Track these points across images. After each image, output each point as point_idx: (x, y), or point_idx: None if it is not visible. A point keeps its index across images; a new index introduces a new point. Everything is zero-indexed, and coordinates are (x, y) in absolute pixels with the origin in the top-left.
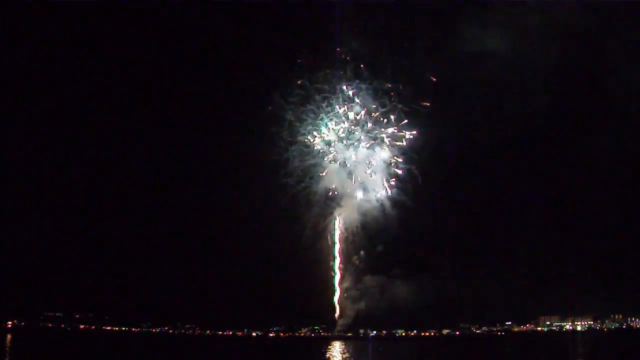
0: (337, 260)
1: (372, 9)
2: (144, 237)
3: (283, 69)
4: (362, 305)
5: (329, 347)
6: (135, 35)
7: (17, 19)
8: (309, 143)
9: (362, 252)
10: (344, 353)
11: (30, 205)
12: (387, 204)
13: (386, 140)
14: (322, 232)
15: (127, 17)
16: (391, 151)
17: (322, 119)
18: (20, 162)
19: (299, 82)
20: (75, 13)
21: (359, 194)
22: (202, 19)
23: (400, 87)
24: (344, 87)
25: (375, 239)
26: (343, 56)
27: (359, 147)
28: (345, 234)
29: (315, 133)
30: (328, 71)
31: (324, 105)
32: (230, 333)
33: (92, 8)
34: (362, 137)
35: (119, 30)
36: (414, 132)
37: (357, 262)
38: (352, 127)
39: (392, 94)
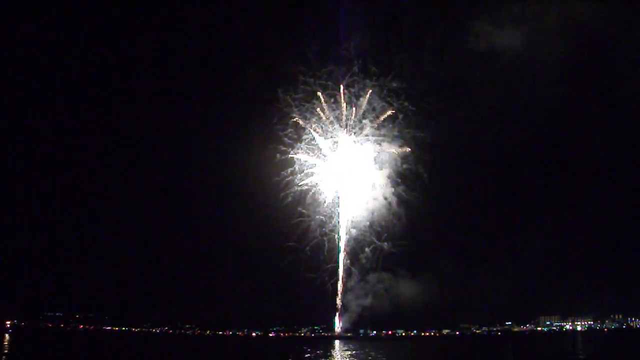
0: (342, 258)
1: (379, 4)
2: (145, 236)
3: (287, 65)
4: (367, 302)
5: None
6: (138, 32)
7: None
8: (314, 140)
9: (367, 250)
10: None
11: (30, 205)
12: (394, 201)
13: (393, 138)
14: (327, 229)
15: (130, 13)
16: (398, 149)
17: (327, 117)
18: (21, 162)
19: (303, 78)
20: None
21: (366, 191)
22: (205, 14)
23: (408, 86)
24: (350, 84)
25: (382, 236)
26: (349, 52)
27: (366, 144)
28: (351, 232)
29: (320, 130)
30: (333, 67)
31: (330, 102)
32: (230, 333)
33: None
34: (369, 135)
35: (121, 26)
36: (422, 130)
37: (363, 260)
38: (359, 124)
39: (399, 92)
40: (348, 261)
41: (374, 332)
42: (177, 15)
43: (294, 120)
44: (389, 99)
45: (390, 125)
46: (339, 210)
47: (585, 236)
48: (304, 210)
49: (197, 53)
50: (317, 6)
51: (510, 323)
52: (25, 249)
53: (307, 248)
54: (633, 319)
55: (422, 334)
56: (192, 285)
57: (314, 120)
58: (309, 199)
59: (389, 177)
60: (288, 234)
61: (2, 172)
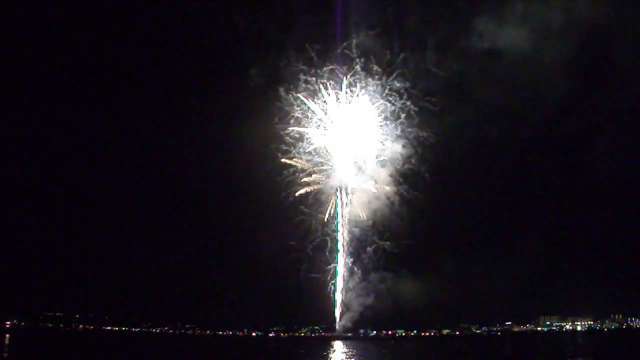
0: (344, 257)
1: (382, 2)
2: (144, 236)
3: (289, 64)
4: (369, 301)
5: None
6: (138, 32)
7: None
8: (316, 139)
9: (369, 249)
10: None
11: (30, 205)
12: (396, 201)
13: (396, 137)
14: (329, 229)
15: (131, 12)
16: (401, 149)
17: (329, 116)
18: (21, 162)
19: (305, 77)
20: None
21: (368, 191)
22: (206, 13)
23: (411, 85)
24: (352, 83)
25: (384, 236)
26: (349, 51)
27: (368, 143)
28: (354, 231)
29: (323, 129)
30: (335, 66)
31: (332, 100)
32: (230, 333)
33: None
34: (372, 134)
35: (122, 26)
36: (425, 130)
37: (364, 259)
38: (361, 123)
39: (402, 91)
40: (351, 259)
41: (374, 332)
42: (178, 14)
43: (296, 119)
44: (391, 98)
45: (393, 125)
46: (341, 209)
47: (585, 236)
48: (305, 210)
49: (199, 52)
50: (319, 4)
51: (510, 323)
52: (25, 249)
53: (309, 248)
54: (633, 319)
55: (422, 334)
56: (192, 285)
57: (315, 119)
58: (310, 199)
59: (391, 176)
60: (290, 234)
61: (1, 172)
